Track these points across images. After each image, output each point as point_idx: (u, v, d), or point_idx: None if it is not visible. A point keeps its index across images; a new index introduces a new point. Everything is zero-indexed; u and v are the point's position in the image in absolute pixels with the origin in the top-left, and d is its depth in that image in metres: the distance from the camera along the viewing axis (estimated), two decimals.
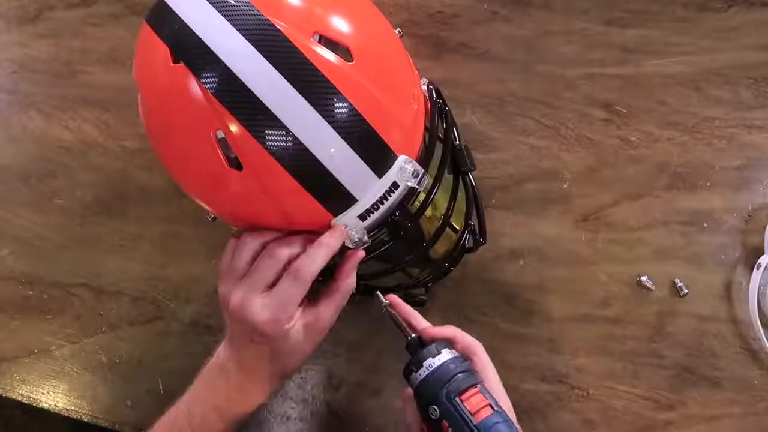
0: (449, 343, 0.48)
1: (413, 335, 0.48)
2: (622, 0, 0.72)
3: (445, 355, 0.46)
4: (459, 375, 0.44)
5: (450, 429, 0.43)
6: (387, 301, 0.49)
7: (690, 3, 0.72)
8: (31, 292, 0.70)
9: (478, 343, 0.49)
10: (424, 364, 0.45)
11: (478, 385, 0.44)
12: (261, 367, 0.48)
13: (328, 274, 0.49)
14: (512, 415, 0.46)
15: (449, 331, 0.49)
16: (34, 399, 0.66)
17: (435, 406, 0.44)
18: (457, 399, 0.43)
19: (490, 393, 0.45)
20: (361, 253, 0.49)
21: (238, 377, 0.48)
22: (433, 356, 0.45)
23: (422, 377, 0.45)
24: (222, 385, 0.49)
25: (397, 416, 0.60)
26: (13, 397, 0.66)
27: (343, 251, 0.48)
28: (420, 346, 0.47)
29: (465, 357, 0.47)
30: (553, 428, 0.60)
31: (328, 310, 0.47)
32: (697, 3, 0.71)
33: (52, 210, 0.73)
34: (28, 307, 0.69)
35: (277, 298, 0.45)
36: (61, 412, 0.65)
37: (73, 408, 0.65)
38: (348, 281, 0.49)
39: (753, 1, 0.71)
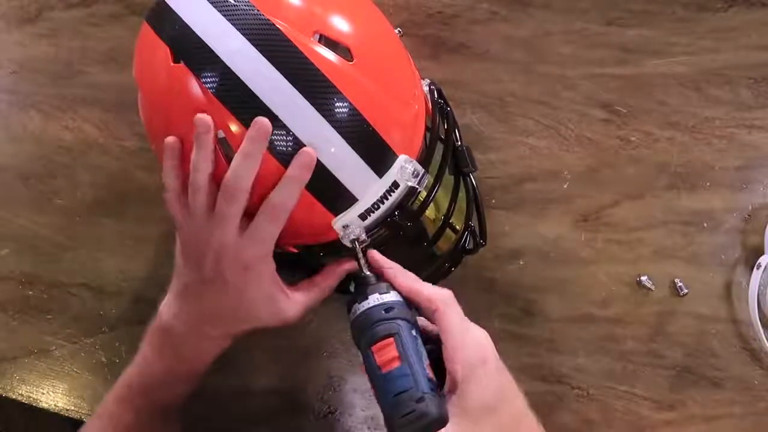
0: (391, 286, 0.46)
1: (366, 273, 0.47)
2: (622, 0, 0.72)
3: (371, 301, 0.44)
4: (377, 324, 0.43)
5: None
6: (354, 237, 0.47)
7: (690, 3, 0.72)
8: (31, 292, 0.69)
9: (441, 295, 0.45)
10: (351, 308, 0.45)
11: (394, 336, 0.43)
12: (211, 320, 0.47)
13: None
14: (481, 362, 0.44)
15: (404, 285, 0.46)
16: (34, 399, 0.66)
17: (358, 349, 0.45)
18: (369, 350, 0.43)
19: (410, 344, 0.42)
20: (351, 265, 0.49)
21: (186, 335, 0.47)
22: (359, 302, 0.45)
23: (350, 320, 0.45)
24: (170, 346, 0.48)
25: None
26: (13, 397, 0.66)
27: (340, 251, 0.48)
28: (366, 284, 0.46)
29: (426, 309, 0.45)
30: (553, 428, 0.59)
31: (299, 298, 0.47)
32: (697, 3, 0.72)
33: (52, 210, 0.72)
34: (28, 307, 0.69)
35: (248, 232, 0.44)
36: (61, 412, 0.65)
37: (73, 408, 0.65)
38: (328, 282, 0.49)
39: (753, 1, 0.71)
